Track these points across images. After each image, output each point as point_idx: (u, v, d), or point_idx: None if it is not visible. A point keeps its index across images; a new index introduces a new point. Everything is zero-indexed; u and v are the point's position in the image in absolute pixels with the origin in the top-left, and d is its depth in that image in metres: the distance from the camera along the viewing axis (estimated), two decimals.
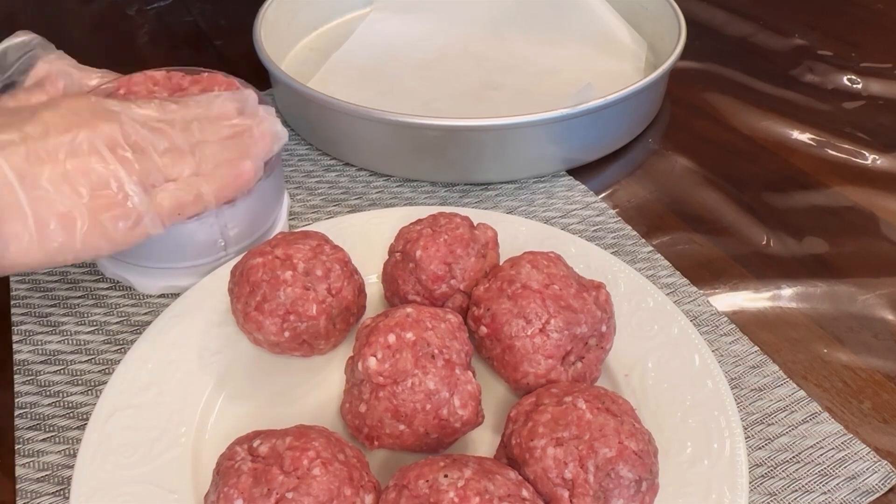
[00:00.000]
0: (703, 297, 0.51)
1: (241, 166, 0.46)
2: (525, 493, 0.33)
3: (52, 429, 0.44)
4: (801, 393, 0.45)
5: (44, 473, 0.42)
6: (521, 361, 0.41)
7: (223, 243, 0.50)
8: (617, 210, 0.59)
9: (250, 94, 0.50)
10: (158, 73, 0.53)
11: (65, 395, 0.46)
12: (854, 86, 0.73)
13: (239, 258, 0.45)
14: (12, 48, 0.53)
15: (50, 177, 0.39)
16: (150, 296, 0.51)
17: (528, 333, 0.41)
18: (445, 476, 0.33)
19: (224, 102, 0.48)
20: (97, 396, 0.43)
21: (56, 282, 0.52)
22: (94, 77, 0.54)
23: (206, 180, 0.45)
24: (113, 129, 0.42)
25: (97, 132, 0.41)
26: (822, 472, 0.41)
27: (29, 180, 0.39)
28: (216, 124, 0.47)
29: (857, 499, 0.40)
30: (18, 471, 0.42)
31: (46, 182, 0.39)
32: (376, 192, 0.60)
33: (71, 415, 0.45)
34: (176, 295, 0.49)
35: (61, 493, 0.41)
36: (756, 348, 0.48)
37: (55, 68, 0.53)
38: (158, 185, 0.43)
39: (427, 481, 0.33)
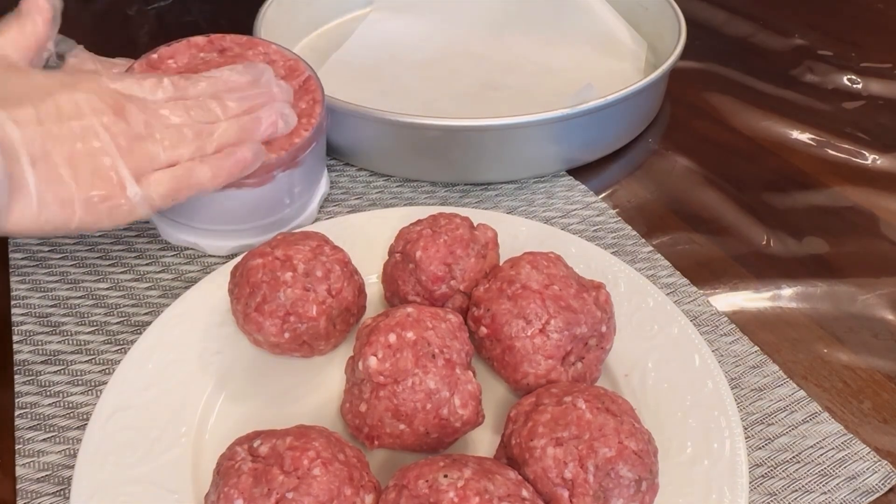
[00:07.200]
0: (703, 297, 0.51)
1: (240, 153, 0.46)
2: (525, 493, 0.33)
3: (52, 429, 0.44)
4: (801, 393, 0.45)
5: (44, 473, 0.42)
6: (521, 362, 0.41)
7: (288, 201, 0.53)
8: (617, 210, 0.59)
9: (266, 68, 0.49)
10: (200, 39, 0.54)
11: (65, 395, 0.46)
12: (854, 86, 0.73)
13: (240, 259, 0.45)
14: None
15: (57, 160, 0.41)
16: (151, 295, 0.51)
17: (528, 334, 0.41)
18: (445, 476, 0.33)
19: (237, 76, 0.48)
20: (97, 396, 0.43)
21: (56, 282, 0.52)
22: (115, 68, 0.54)
23: (202, 164, 0.45)
24: (120, 113, 0.43)
25: (104, 119, 0.42)
26: (822, 472, 0.41)
27: (40, 162, 0.40)
28: (224, 103, 0.46)
29: (857, 499, 0.40)
30: (19, 471, 0.42)
31: (53, 164, 0.41)
32: (376, 192, 0.60)
33: (71, 415, 0.45)
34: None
35: (61, 493, 0.41)
36: (756, 348, 0.48)
37: (84, 63, 0.54)
38: (154, 170, 0.44)
39: (427, 481, 0.33)
